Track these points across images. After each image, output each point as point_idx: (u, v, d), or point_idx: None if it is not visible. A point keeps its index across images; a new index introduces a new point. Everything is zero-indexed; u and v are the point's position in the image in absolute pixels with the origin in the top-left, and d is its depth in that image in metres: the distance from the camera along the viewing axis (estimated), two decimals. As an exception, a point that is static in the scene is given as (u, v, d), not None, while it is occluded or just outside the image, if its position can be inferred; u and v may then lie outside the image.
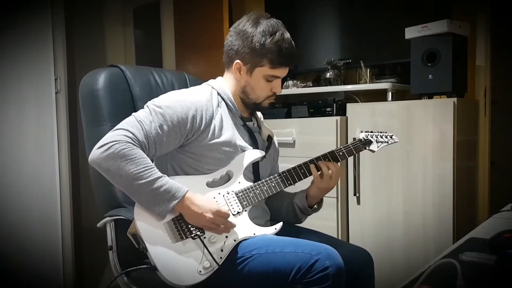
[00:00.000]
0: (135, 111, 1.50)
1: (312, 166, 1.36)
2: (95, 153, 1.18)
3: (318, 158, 1.38)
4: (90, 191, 1.52)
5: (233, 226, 1.24)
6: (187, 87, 1.67)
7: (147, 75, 1.61)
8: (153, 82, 1.61)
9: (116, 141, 1.16)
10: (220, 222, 1.22)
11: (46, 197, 2.49)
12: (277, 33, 1.31)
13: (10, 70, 2.37)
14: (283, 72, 1.36)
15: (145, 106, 1.29)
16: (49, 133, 2.50)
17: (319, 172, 1.37)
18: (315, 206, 1.47)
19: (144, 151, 1.20)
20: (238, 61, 1.35)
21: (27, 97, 2.42)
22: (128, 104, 1.51)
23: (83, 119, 1.50)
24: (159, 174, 1.19)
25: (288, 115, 2.55)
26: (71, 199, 2.60)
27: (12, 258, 2.33)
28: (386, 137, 1.47)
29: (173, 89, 1.62)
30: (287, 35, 1.34)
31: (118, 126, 1.22)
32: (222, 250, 1.21)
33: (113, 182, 1.20)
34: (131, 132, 1.19)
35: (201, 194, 1.25)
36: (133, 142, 1.18)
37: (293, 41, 1.35)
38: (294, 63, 1.37)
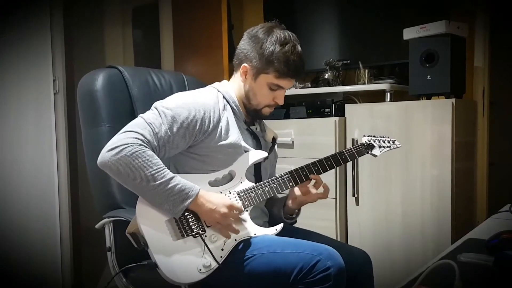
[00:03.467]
0: (134, 111, 1.49)
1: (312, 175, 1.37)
2: (105, 155, 1.16)
3: (320, 161, 1.38)
4: (88, 191, 1.52)
5: (237, 231, 1.24)
6: (185, 88, 1.67)
7: (145, 76, 1.61)
8: (151, 83, 1.61)
9: (128, 143, 1.16)
10: (234, 216, 1.23)
11: (44, 197, 2.49)
12: (288, 45, 1.32)
13: (8, 71, 2.36)
14: (287, 83, 1.36)
15: (153, 107, 1.28)
16: (47, 133, 2.50)
17: (313, 182, 1.38)
18: (294, 214, 1.48)
19: (154, 153, 1.20)
20: (245, 64, 1.36)
21: (26, 98, 2.42)
22: (126, 105, 1.51)
23: (81, 119, 1.50)
24: (172, 174, 1.19)
25: (287, 116, 2.54)
26: (70, 199, 2.60)
27: (10, 257, 2.33)
28: (389, 142, 1.48)
29: (171, 90, 1.62)
30: (298, 48, 1.35)
31: (127, 128, 1.21)
32: (222, 249, 1.22)
33: (125, 184, 1.19)
34: (141, 135, 1.19)
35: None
36: (145, 145, 1.18)
37: (303, 56, 1.36)
38: (299, 76, 1.38)
